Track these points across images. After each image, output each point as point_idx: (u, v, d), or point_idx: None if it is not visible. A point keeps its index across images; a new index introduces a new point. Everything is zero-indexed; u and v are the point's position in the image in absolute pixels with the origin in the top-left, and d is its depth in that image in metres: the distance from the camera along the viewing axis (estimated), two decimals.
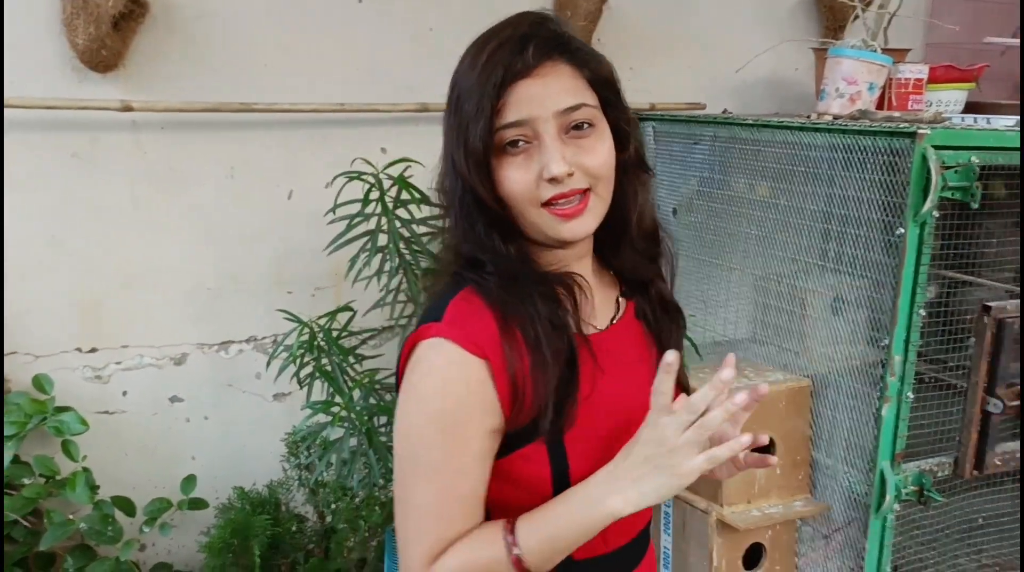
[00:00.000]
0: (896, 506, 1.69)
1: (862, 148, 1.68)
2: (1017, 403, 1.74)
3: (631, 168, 0.99)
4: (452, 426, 0.88)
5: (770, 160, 1.93)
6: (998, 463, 1.78)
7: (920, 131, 1.56)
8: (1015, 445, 1.82)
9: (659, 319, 1.06)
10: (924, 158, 1.56)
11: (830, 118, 1.92)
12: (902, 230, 1.60)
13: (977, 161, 1.60)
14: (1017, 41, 2.59)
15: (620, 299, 1.06)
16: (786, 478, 1.83)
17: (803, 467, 1.85)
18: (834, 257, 1.80)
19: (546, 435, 0.91)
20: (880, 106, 2.09)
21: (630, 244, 1.02)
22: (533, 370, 0.90)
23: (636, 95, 2.37)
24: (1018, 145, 1.66)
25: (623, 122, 0.96)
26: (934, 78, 2.21)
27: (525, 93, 0.89)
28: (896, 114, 1.80)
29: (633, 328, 1.05)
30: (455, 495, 0.89)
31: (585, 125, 0.91)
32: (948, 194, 1.59)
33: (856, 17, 2.37)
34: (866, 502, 1.73)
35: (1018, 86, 2.82)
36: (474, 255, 0.94)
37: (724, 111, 2.42)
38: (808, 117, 1.98)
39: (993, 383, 1.72)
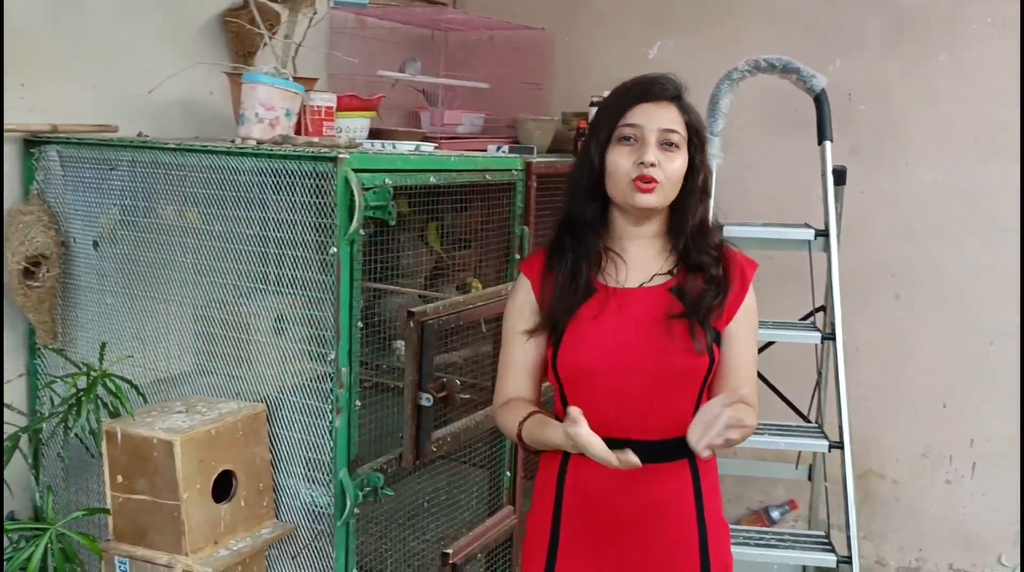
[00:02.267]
0: (356, 509, 1.78)
1: (289, 172, 1.73)
2: (443, 394, 1.97)
3: (697, 191, 1.48)
4: (508, 323, 1.56)
5: (198, 186, 1.86)
6: (434, 449, 2.00)
7: (341, 155, 1.66)
8: (446, 431, 2.07)
9: (695, 296, 1.44)
10: (347, 181, 1.66)
11: (253, 143, 1.94)
12: (335, 249, 1.69)
13: (390, 182, 1.77)
14: (404, 75, 2.93)
15: (659, 275, 1.48)
16: (251, 508, 1.80)
17: (267, 493, 1.84)
18: (274, 279, 1.82)
19: (551, 336, 1.50)
20: (298, 131, 2.17)
21: (688, 237, 1.47)
22: (552, 290, 1.50)
23: (32, 115, 2.09)
24: (419, 167, 1.88)
25: (698, 160, 1.47)
26: (341, 106, 2.38)
27: (646, 110, 1.44)
28: (315, 139, 1.90)
29: (661, 297, 1.46)
30: (508, 361, 1.56)
31: (673, 145, 1.43)
32: (370, 213, 1.73)
33: (265, 45, 2.43)
34: (329, 513, 1.79)
35: (409, 116, 3.21)
36: (568, 216, 1.51)
37: (139, 134, 2.27)
38: (232, 141, 1.97)
39: (422, 379, 1.93)
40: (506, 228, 2.33)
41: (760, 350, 2.75)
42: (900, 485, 2.97)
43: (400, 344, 2.57)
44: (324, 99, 2.20)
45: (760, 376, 2.75)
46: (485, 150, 2.66)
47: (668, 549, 1.49)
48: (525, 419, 1.47)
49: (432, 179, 1.92)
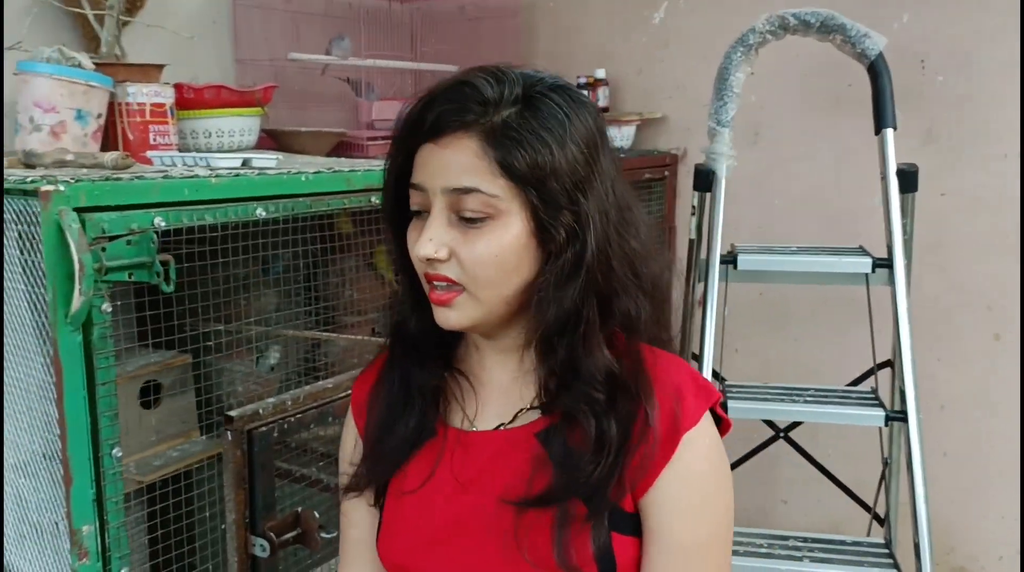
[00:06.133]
0: None
1: None
2: (293, 534, 1.31)
3: (561, 279, 0.80)
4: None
5: None
6: None
7: (45, 188, 1.00)
8: None
9: (572, 455, 0.81)
10: (60, 227, 1.00)
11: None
12: (49, 344, 1.03)
13: (163, 223, 1.11)
14: (328, 58, 2.27)
15: (527, 411, 0.87)
16: None
17: None
18: (12, 383, 1.18)
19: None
20: (112, 142, 1.53)
21: (555, 362, 0.83)
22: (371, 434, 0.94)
23: None
24: (227, 196, 1.20)
25: (556, 225, 0.80)
26: (203, 102, 1.73)
27: (429, 156, 0.81)
28: (71, 156, 1.24)
29: (523, 451, 0.85)
30: (344, 536, 0.99)
31: (475, 215, 0.79)
32: (120, 276, 1.07)
33: (126, 25, 1.81)
34: None
35: (353, 110, 2.54)
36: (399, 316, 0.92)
37: None
38: None
39: (255, 517, 1.26)
40: None
41: (785, 432, 2.00)
42: None
43: None
44: (148, 93, 1.54)
45: (803, 453, 2.01)
46: None
47: None
48: None
49: (261, 211, 1.25)
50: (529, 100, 0.80)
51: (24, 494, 1.16)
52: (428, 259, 0.80)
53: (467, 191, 0.78)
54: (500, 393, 0.90)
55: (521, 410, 0.87)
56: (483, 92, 0.79)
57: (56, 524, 1.13)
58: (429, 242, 0.80)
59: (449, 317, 0.83)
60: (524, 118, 0.78)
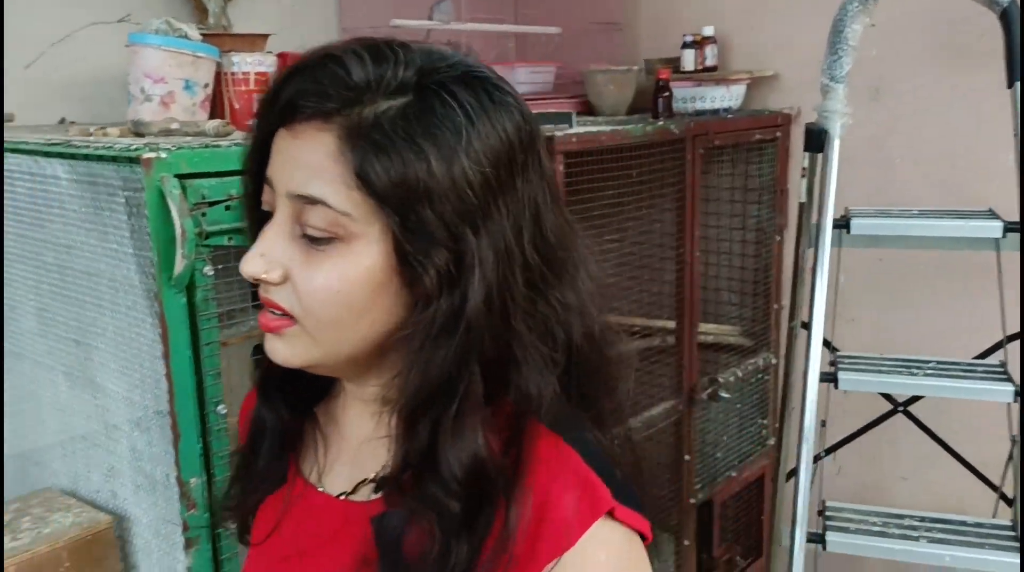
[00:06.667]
0: None
1: (102, 181, 1.13)
2: None
3: (443, 340, 0.60)
4: None
5: (23, 198, 1.31)
6: None
7: (147, 155, 1.03)
8: None
9: (401, 563, 0.63)
10: (161, 194, 1.04)
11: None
12: (156, 303, 1.08)
13: None
14: (431, 23, 2.27)
15: (373, 481, 0.68)
16: None
17: None
18: (112, 336, 1.23)
19: None
20: (219, 111, 1.58)
21: (414, 458, 0.63)
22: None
23: None
24: None
25: (426, 263, 0.59)
26: None
27: (278, 148, 0.62)
28: (176, 125, 1.28)
29: (361, 528, 0.66)
30: None
31: (318, 235, 0.61)
32: (221, 241, 1.10)
33: None
34: None
35: None
36: None
37: (62, 121, 1.77)
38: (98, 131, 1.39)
39: None
40: None
41: (904, 406, 1.89)
42: None
43: None
44: (252, 63, 1.58)
45: (924, 428, 1.90)
46: None
47: None
48: None
49: None
50: (422, 92, 0.60)
51: (139, 447, 1.22)
52: (252, 280, 0.63)
53: (312, 202, 0.60)
54: (353, 452, 0.72)
55: (364, 481, 0.70)
56: (352, 74, 0.59)
57: (167, 476, 1.18)
58: (259, 258, 0.62)
59: (277, 350, 0.65)
60: (405, 116, 0.58)
